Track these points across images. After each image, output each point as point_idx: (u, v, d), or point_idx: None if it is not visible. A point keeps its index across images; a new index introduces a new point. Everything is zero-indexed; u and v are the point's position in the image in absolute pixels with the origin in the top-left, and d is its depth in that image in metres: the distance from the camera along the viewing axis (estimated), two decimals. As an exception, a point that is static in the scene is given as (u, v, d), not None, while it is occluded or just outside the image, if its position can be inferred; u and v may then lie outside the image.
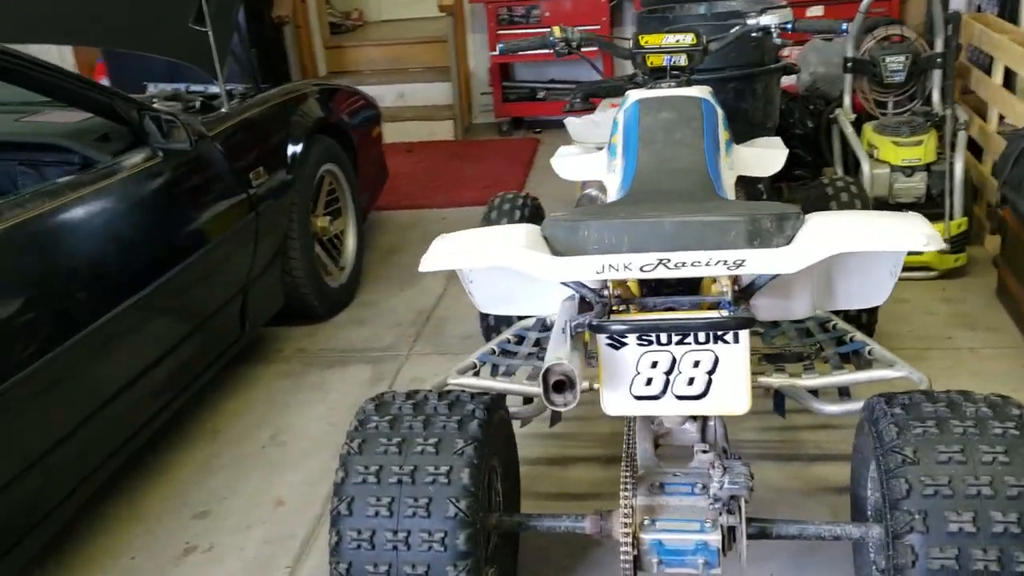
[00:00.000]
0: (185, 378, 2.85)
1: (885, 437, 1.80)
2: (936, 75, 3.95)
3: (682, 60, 2.61)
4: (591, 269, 1.74)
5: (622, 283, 1.95)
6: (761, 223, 1.79)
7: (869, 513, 2.05)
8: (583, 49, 2.86)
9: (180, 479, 2.83)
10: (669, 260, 1.71)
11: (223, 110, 3.19)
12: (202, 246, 2.85)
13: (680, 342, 1.84)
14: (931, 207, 3.67)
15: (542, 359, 2.71)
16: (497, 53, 2.84)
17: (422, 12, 7.43)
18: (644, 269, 1.72)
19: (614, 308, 1.87)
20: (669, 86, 2.57)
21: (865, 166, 3.73)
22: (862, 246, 1.71)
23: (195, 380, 2.92)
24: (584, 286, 1.93)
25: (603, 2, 6.13)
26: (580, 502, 2.59)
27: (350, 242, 4.04)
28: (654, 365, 1.86)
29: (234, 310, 3.12)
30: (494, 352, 2.78)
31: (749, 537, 1.89)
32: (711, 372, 1.85)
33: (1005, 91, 3.84)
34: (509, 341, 2.85)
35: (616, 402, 1.89)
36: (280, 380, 3.37)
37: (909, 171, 3.72)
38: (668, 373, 1.86)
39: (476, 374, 2.70)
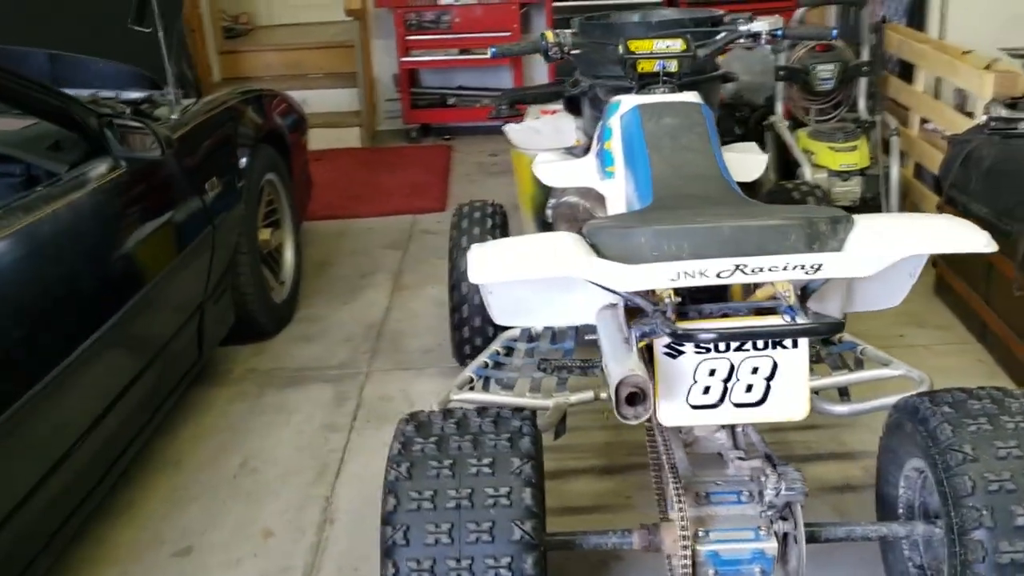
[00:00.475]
0: (148, 410, 2.64)
1: (940, 436, 1.83)
2: (862, 83, 4.11)
3: (672, 66, 2.61)
4: (666, 276, 1.70)
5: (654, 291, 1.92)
6: (818, 226, 1.78)
7: (900, 511, 2.08)
8: (572, 52, 2.81)
9: (148, 514, 2.62)
10: (746, 265, 1.68)
11: (174, 117, 2.98)
12: (165, 265, 2.65)
13: (739, 348, 1.82)
14: (865, 211, 3.80)
15: (541, 369, 2.66)
16: (489, 56, 2.74)
17: (319, 17, 7.23)
18: (721, 275, 1.69)
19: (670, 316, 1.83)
20: (663, 91, 2.55)
21: (807, 171, 3.84)
22: (932, 248, 1.73)
23: (158, 411, 2.71)
24: (639, 295, 1.88)
25: (514, 9, 6.12)
26: (585, 516, 2.54)
27: (289, 255, 3.87)
28: (712, 373, 1.83)
29: (192, 331, 2.92)
30: (487, 365, 2.70)
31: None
32: (769, 378, 1.84)
33: (932, 98, 4.03)
34: (499, 353, 2.78)
35: (672, 412, 1.85)
36: (236, 403, 3.17)
37: (846, 175, 3.85)
38: (726, 381, 1.84)
39: (471, 388, 2.62)
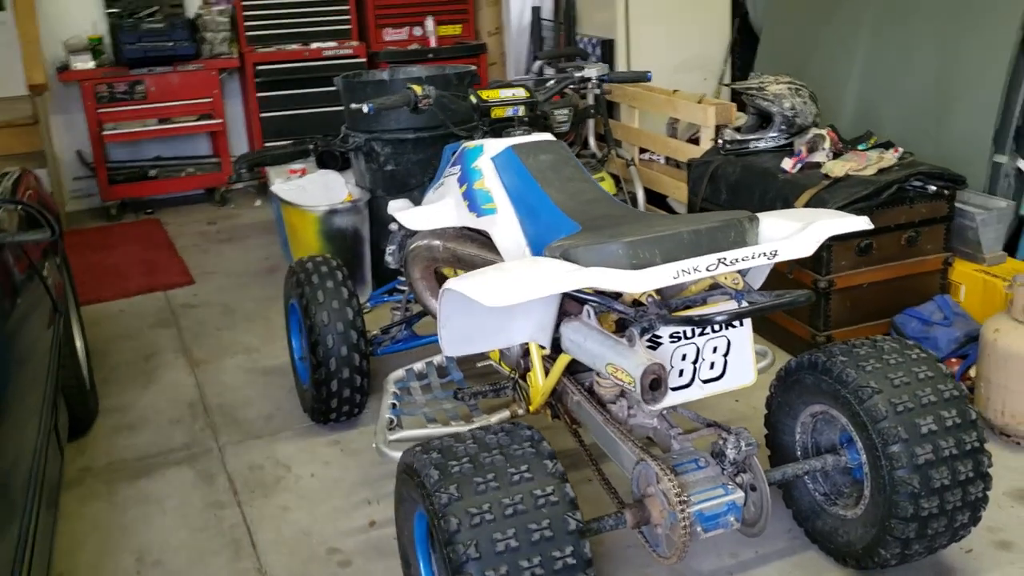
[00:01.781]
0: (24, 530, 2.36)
1: (846, 378, 2.28)
2: (590, 124, 4.70)
3: (521, 111, 2.92)
4: (668, 276, 1.99)
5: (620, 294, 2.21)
6: (743, 224, 2.19)
7: (798, 454, 2.54)
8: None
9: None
10: (726, 258, 2.03)
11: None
12: (26, 364, 2.41)
13: (702, 333, 2.16)
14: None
15: (458, 398, 2.81)
16: (366, 111, 2.81)
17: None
18: (709, 268, 2.02)
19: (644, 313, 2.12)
20: (520, 133, 2.84)
21: (570, 201, 4.31)
22: (841, 229, 2.20)
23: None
24: (612, 299, 2.14)
25: (213, 75, 6.04)
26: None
27: (79, 344, 3.57)
28: (683, 358, 2.16)
29: (50, 427, 2.66)
30: (395, 405, 2.80)
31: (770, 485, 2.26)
32: (726, 354, 2.20)
33: (650, 132, 4.72)
34: (397, 395, 2.88)
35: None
36: (91, 503, 2.91)
37: (598, 202, 4.39)
38: (695, 362, 2.17)
39: (393, 429, 2.71)
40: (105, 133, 5.84)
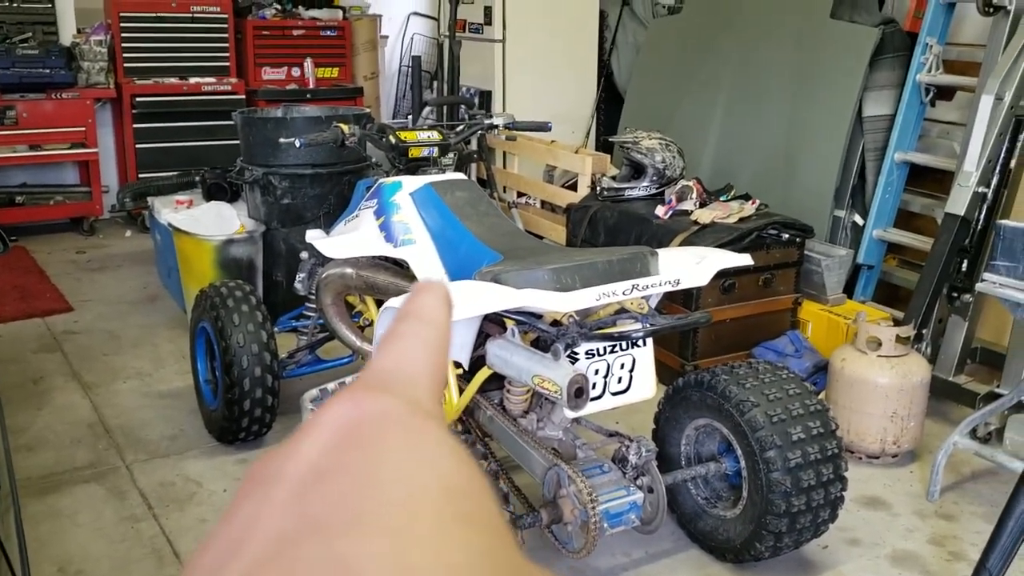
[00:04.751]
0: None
1: (730, 394, 2.65)
2: (472, 168, 5.00)
3: (436, 151, 3.18)
4: (591, 298, 2.29)
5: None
6: (647, 257, 2.52)
7: (683, 463, 2.88)
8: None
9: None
10: (639, 284, 2.35)
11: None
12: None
13: (612, 351, 2.46)
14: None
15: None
16: (298, 146, 2.98)
17: None
18: (625, 293, 2.33)
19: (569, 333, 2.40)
20: (435, 172, 3.10)
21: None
22: (729, 263, 2.56)
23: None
24: (537, 320, 2.42)
25: (88, 104, 5.99)
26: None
27: (-29, 365, 3.55)
28: (596, 372, 2.46)
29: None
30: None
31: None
32: (631, 370, 2.51)
33: (529, 178, 5.07)
34: (313, 411, 3.04)
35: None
36: (-1, 519, 2.92)
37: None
38: (606, 377, 2.47)
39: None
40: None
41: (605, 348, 2.44)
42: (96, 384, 3.95)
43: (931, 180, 4.36)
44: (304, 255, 3.48)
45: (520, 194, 5.21)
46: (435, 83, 7.16)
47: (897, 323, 3.56)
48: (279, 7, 6.85)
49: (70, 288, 5.18)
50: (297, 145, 2.97)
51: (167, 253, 4.74)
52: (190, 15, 6.38)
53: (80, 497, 3.07)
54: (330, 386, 3.26)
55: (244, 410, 3.22)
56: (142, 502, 3.05)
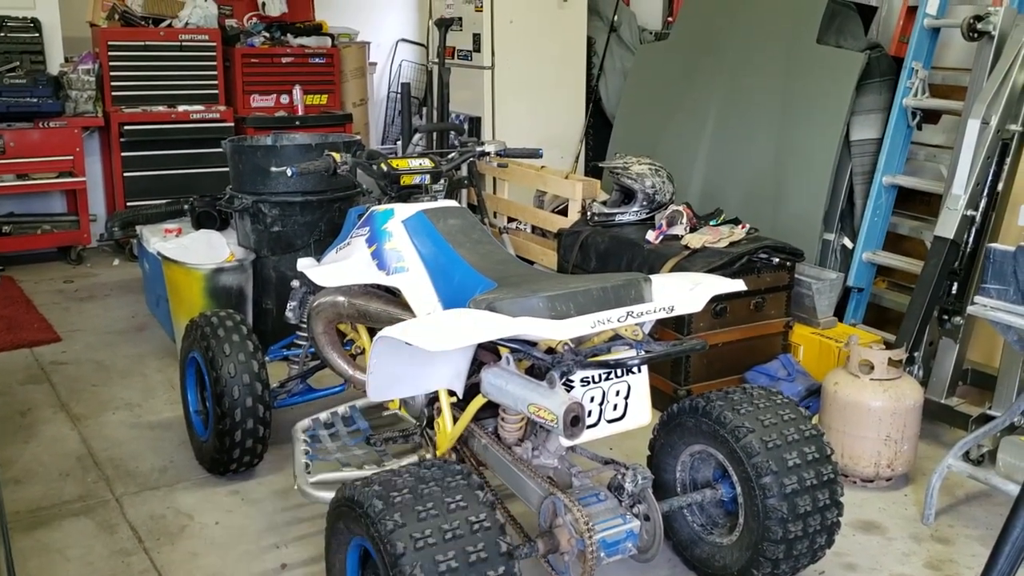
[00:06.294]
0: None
1: (725, 420, 2.64)
2: (463, 193, 5.01)
3: (428, 179, 3.18)
4: (587, 325, 2.28)
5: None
6: (640, 283, 2.52)
7: (679, 490, 2.86)
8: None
9: None
10: (634, 311, 2.34)
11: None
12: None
13: (607, 378, 2.45)
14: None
15: (371, 443, 2.98)
16: (289, 175, 2.98)
17: None
18: (620, 320, 2.32)
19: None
20: (427, 199, 3.10)
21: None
22: (722, 289, 2.56)
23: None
24: (532, 348, 2.41)
25: (76, 133, 5.98)
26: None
27: (-42, 397, 3.51)
28: (592, 400, 2.44)
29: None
30: (307, 452, 2.94)
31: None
32: (627, 397, 2.50)
33: (520, 204, 5.07)
34: (308, 442, 3.02)
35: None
36: (-13, 555, 2.88)
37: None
38: (601, 404, 2.46)
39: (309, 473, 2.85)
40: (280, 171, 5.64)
41: (600, 375, 2.43)
42: (85, 415, 3.91)
43: (919, 203, 4.39)
44: (295, 283, 3.47)
45: (511, 219, 5.22)
46: (424, 109, 7.19)
47: (889, 346, 3.57)
48: (267, 35, 6.86)
49: (58, 318, 5.15)
50: (289, 174, 2.97)
51: (156, 282, 4.72)
52: (178, 43, 6.39)
53: (70, 531, 3.03)
54: (321, 416, 3.24)
55: (235, 441, 3.19)
56: (132, 535, 3.01)
